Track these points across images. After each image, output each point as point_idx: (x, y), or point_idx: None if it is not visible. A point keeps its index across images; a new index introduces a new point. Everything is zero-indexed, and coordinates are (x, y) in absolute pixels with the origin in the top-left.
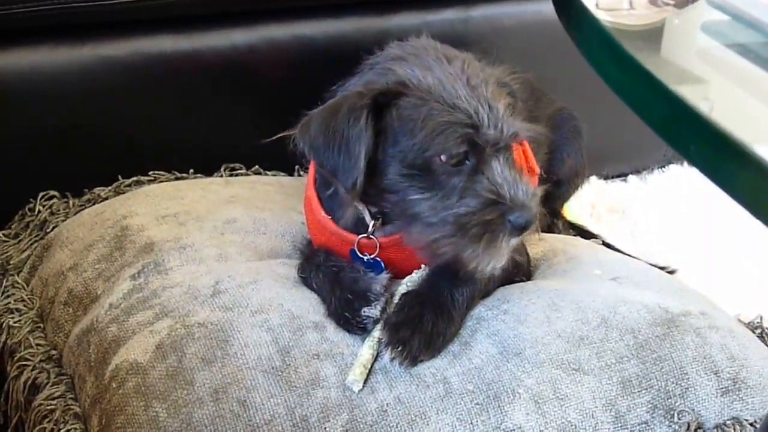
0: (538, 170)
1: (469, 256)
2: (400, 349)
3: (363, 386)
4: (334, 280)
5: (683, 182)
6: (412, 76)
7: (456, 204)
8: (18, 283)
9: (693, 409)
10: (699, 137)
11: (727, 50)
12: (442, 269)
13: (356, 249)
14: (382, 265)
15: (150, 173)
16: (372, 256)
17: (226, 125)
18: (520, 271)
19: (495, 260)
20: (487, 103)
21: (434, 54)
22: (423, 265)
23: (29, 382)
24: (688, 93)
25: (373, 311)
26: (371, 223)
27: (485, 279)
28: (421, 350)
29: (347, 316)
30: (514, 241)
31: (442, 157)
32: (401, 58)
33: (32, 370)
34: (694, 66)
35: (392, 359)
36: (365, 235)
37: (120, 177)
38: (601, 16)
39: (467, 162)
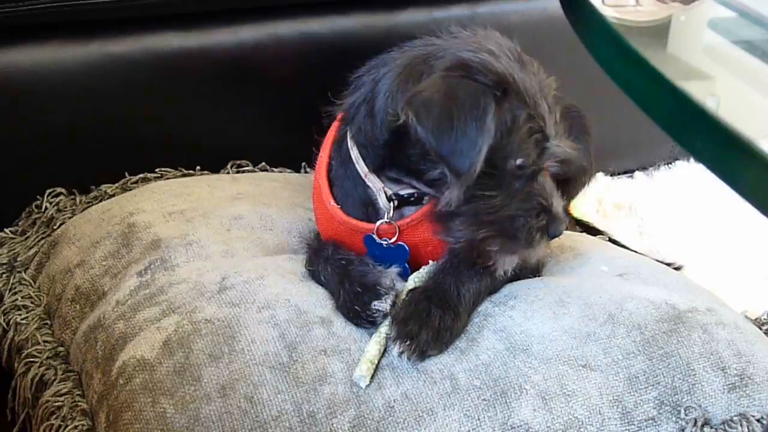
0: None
1: (503, 252)
2: (408, 343)
3: (370, 382)
4: (343, 273)
5: (690, 179)
6: (511, 73)
7: (513, 205)
8: (25, 280)
9: (700, 405)
10: (705, 133)
11: (734, 47)
12: (450, 266)
13: (375, 235)
14: (406, 248)
15: (157, 170)
16: (392, 241)
17: (233, 122)
18: (527, 267)
19: (513, 260)
20: (554, 117)
21: (516, 54)
22: (431, 261)
23: (36, 378)
24: (695, 89)
25: (383, 305)
26: (390, 207)
27: (491, 275)
28: (429, 344)
29: (357, 309)
30: (543, 243)
31: (518, 162)
32: (491, 52)
33: (39, 367)
34: (700, 63)
35: (400, 353)
36: (385, 220)
37: (127, 174)
38: (608, 12)
39: (531, 169)
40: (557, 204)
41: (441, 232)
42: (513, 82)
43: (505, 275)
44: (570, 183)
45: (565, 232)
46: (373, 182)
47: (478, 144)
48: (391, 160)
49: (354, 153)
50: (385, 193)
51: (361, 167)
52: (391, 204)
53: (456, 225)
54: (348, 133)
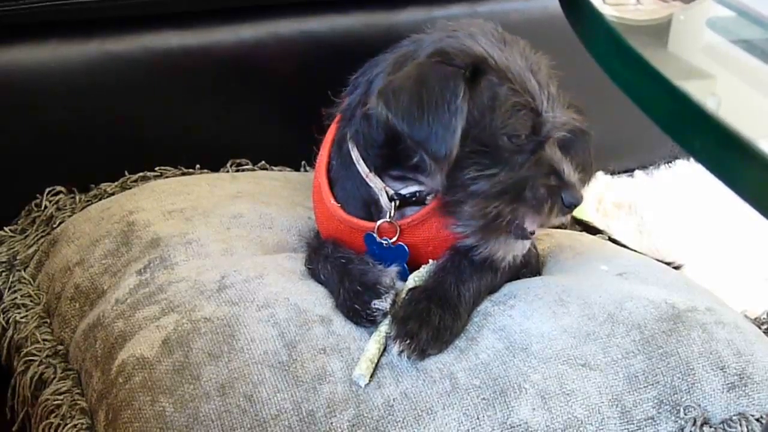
0: None
1: (513, 230)
2: (408, 342)
3: (369, 381)
4: (342, 272)
5: (690, 178)
6: (489, 53)
7: (519, 175)
8: (24, 278)
9: (699, 405)
10: (704, 133)
11: (733, 46)
12: (450, 265)
13: (375, 234)
14: (406, 249)
15: (156, 168)
16: (392, 241)
17: (232, 120)
18: (528, 267)
19: (524, 245)
20: (547, 90)
21: (498, 35)
22: (431, 260)
23: (36, 377)
24: (695, 89)
25: (383, 304)
26: (391, 206)
27: (492, 274)
28: (429, 343)
29: (357, 308)
30: (560, 219)
31: (511, 138)
32: (471, 35)
33: (39, 366)
34: (701, 62)
35: (400, 352)
36: (386, 219)
37: (126, 172)
38: (608, 11)
39: (530, 143)
40: (569, 171)
41: (453, 225)
42: (491, 60)
43: (508, 260)
44: None
45: (564, 231)
46: (375, 182)
47: (451, 126)
48: (390, 159)
49: (354, 154)
50: (387, 192)
51: (362, 168)
52: (393, 204)
53: (465, 212)
54: (347, 134)
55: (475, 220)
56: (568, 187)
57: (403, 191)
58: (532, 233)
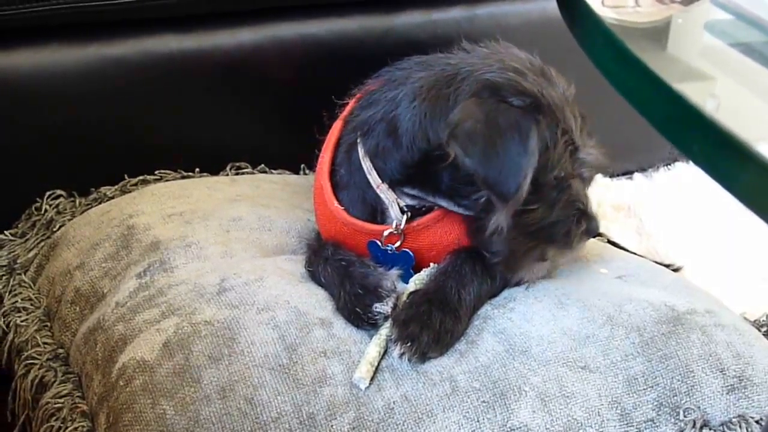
0: None
1: (538, 257)
2: (409, 345)
3: (370, 384)
4: (343, 275)
5: (689, 180)
6: (539, 92)
7: (554, 213)
8: (25, 282)
9: (699, 407)
10: (702, 136)
11: (732, 49)
12: (451, 269)
13: (380, 242)
14: (411, 255)
15: (156, 172)
16: (395, 247)
17: (232, 124)
18: None
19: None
20: (578, 122)
21: (539, 69)
22: (431, 264)
23: (36, 380)
24: (695, 90)
25: (384, 307)
26: (402, 218)
27: (492, 278)
28: (430, 346)
29: (358, 311)
30: (583, 243)
31: (556, 174)
32: (516, 71)
33: (39, 369)
34: (700, 63)
35: (401, 355)
36: (393, 230)
37: (126, 176)
38: (607, 13)
39: (567, 179)
40: (591, 205)
41: (479, 245)
42: (544, 99)
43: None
44: None
45: None
46: (387, 194)
47: (523, 168)
48: (415, 178)
49: (366, 164)
50: (398, 204)
51: (374, 179)
52: (404, 216)
53: (495, 240)
54: (360, 144)
55: (506, 250)
56: (590, 220)
57: (414, 203)
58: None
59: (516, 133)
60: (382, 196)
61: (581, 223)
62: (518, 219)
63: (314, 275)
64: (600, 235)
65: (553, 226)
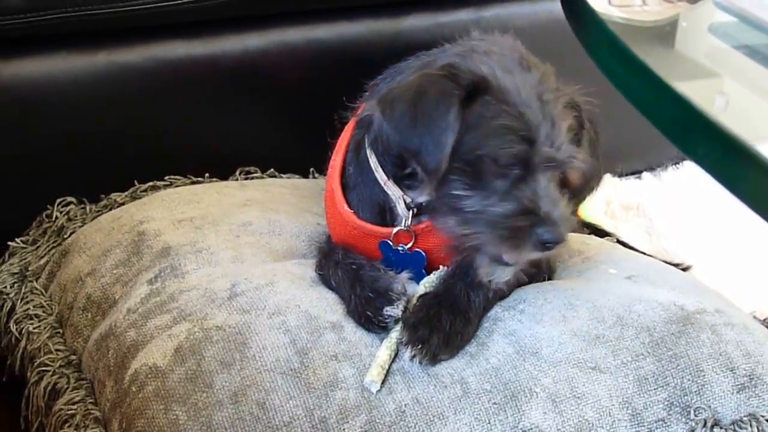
0: None
1: (490, 257)
2: (420, 347)
3: (381, 387)
4: (354, 278)
5: (697, 179)
6: (493, 74)
7: (494, 204)
8: (37, 289)
9: (709, 406)
10: (707, 139)
11: (735, 52)
12: (460, 271)
13: (391, 241)
14: (423, 254)
15: (166, 178)
16: (407, 247)
17: (240, 129)
18: (539, 272)
19: (505, 272)
20: (551, 122)
21: (518, 57)
22: (441, 266)
23: (49, 387)
24: (703, 88)
25: (395, 310)
26: (408, 214)
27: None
28: (440, 348)
29: (369, 314)
30: (537, 255)
31: (491, 160)
32: (486, 53)
33: (52, 376)
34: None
35: (412, 357)
36: (403, 227)
37: (136, 182)
38: (614, 12)
39: (515, 170)
40: (552, 208)
41: (441, 232)
42: (493, 81)
43: (494, 284)
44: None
45: (573, 234)
46: (393, 191)
47: (441, 141)
48: (402, 167)
49: (373, 161)
50: (405, 200)
51: (381, 176)
52: (410, 212)
53: (449, 228)
54: (366, 140)
55: (455, 239)
56: (545, 224)
57: (420, 199)
58: (513, 263)
59: (438, 104)
60: (389, 192)
61: (534, 228)
62: (461, 203)
63: (325, 279)
64: (608, 234)
65: (493, 216)
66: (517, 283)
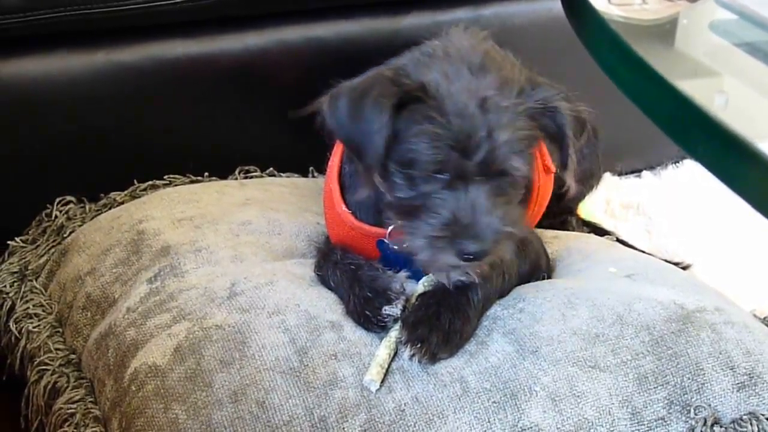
0: (554, 169)
1: (420, 258)
2: (419, 346)
3: (380, 386)
4: (352, 278)
5: (697, 177)
6: (433, 80)
7: (422, 208)
8: (36, 288)
9: (709, 405)
10: (707, 137)
11: (736, 49)
12: None
13: (387, 240)
14: None
15: (165, 177)
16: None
17: (240, 128)
18: (538, 271)
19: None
20: (487, 130)
21: (476, 61)
22: None
23: (49, 386)
24: (703, 87)
25: (394, 309)
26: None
27: (501, 279)
28: (439, 347)
29: (368, 314)
30: (458, 264)
31: (419, 165)
32: (444, 56)
33: (52, 375)
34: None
35: (411, 356)
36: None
37: (135, 181)
38: (614, 11)
39: (443, 177)
40: (478, 222)
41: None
42: (431, 90)
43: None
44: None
45: (572, 233)
46: (384, 187)
47: (375, 142)
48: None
49: None
50: None
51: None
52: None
53: (397, 222)
54: None
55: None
56: (466, 236)
57: (360, 197)
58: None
59: (375, 108)
60: (383, 191)
61: (455, 240)
62: (396, 199)
63: (324, 279)
64: (607, 233)
65: (423, 231)
66: (517, 282)
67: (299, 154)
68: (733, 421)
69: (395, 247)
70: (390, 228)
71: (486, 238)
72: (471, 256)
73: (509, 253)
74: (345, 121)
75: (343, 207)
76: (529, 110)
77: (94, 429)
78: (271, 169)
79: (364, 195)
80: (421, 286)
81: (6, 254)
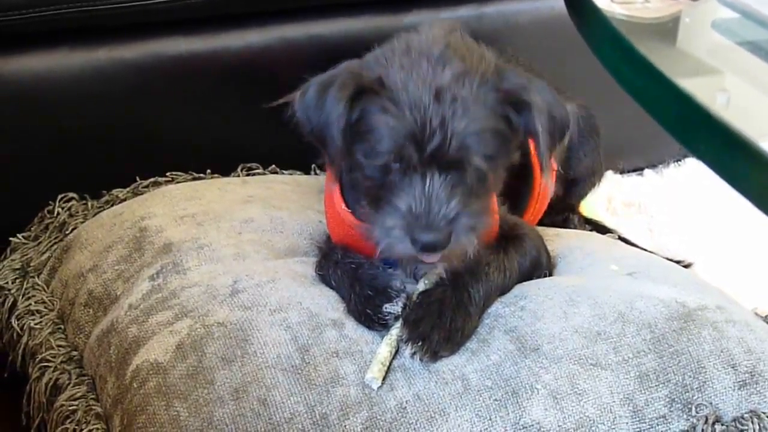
0: (555, 166)
1: (379, 247)
2: (420, 344)
3: (382, 384)
4: (353, 277)
5: (699, 176)
6: (389, 75)
7: (381, 198)
8: (38, 284)
9: (711, 403)
10: (709, 135)
11: (738, 48)
12: (459, 267)
13: None
14: None
15: (167, 174)
16: None
17: (242, 125)
18: (539, 268)
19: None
20: (441, 120)
21: (429, 52)
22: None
23: (51, 383)
24: (705, 85)
25: (394, 307)
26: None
27: (502, 277)
28: (441, 345)
29: (369, 312)
30: (416, 255)
31: (374, 155)
32: (398, 51)
33: (54, 371)
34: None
35: (413, 354)
36: None
37: (138, 178)
38: (616, 9)
39: (396, 166)
40: (431, 211)
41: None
42: (386, 81)
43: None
44: (579, 183)
45: (574, 231)
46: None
47: (334, 134)
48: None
49: None
50: None
51: None
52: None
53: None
54: None
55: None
56: (417, 226)
57: (333, 186)
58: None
59: (333, 100)
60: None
61: (408, 229)
62: (363, 189)
63: (325, 279)
64: (609, 231)
65: (379, 218)
66: (518, 279)
67: (301, 151)
68: (734, 420)
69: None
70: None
71: (439, 227)
72: (428, 247)
73: (471, 245)
74: (311, 113)
75: (343, 206)
76: (491, 101)
77: (95, 426)
78: (274, 166)
79: (333, 184)
80: (422, 284)
81: (8, 251)
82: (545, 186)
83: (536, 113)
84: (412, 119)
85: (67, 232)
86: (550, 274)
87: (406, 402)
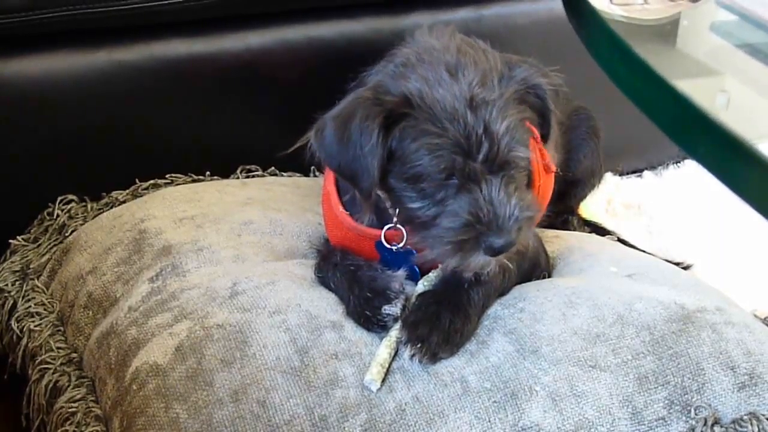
0: (554, 168)
1: (449, 263)
2: (419, 346)
3: (381, 386)
4: (352, 279)
5: (698, 177)
6: (416, 91)
7: (440, 216)
8: (38, 287)
9: (710, 405)
10: (708, 138)
11: (737, 50)
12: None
13: (383, 240)
14: (415, 252)
15: (167, 176)
16: (401, 246)
17: (241, 127)
18: (537, 269)
19: (472, 270)
20: (483, 127)
21: (452, 60)
22: (440, 265)
23: (51, 385)
24: (704, 86)
25: (393, 309)
26: (396, 212)
27: (501, 278)
28: (439, 347)
29: (368, 314)
30: (489, 261)
31: (426, 176)
32: (412, 64)
33: (53, 374)
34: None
35: (412, 356)
36: (392, 225)
37: (137, 180)
38: (615, 11)
39: (452, 181)
40: (498, 215)
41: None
42: (416, 100)
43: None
44: (579, 184)
45: (574, 233)
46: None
47: (369, 166)
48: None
49: None
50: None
51: None
52: (396, 209)
53: (412, 230)
54: None
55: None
56: (491, 232)
57: (365, 220)
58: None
59: (363, 132)
60: (379, 193)
61: (481, 238)
62: (411, 215)
63: (324, 281)
64: (609, 233)
65: (444, 237)
66: (517, 280)
67: (301, 154)
68: (733, 421)
69: (393, 248)
70: (385, 228)
71: (510, 228)
72: (499, 250)
73: (531, 237)
74: (334, 151)
75: (341, 208)
76: (514, 94)
77: (95, 428)
78: (273, 168)
79: (367, 219)
80: (421, 286)
81: (8, 253)
82: (545, 186)
83: (548, 96)
84: (456, 133)
85: (66, 234)
86: (549, 276)
87: (405, 404)
